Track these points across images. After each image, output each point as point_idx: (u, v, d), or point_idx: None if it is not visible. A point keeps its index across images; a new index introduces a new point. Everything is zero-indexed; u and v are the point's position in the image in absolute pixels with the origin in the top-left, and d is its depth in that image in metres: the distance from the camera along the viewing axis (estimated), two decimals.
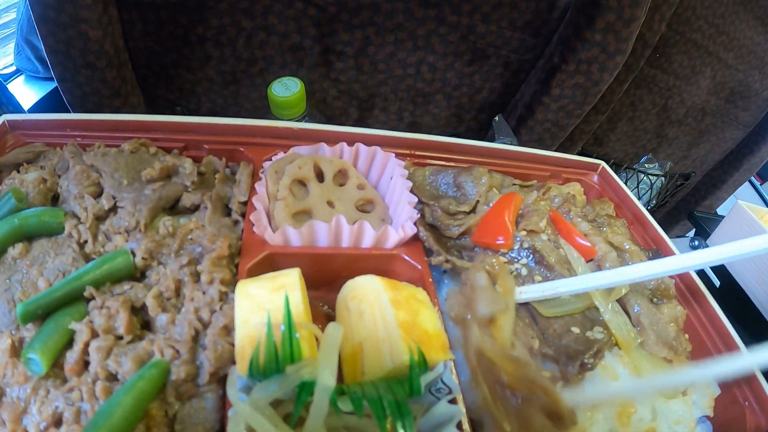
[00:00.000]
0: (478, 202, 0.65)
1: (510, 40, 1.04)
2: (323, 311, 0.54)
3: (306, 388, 0.37)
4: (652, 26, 1.04)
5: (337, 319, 0.51)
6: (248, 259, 0.50)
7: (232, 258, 0.51)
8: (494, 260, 0.57)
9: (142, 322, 0.46)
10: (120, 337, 0.43)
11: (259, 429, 0.35)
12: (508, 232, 0.59)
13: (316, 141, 0.65)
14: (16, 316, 0.44)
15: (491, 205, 0.64)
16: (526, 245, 0.59)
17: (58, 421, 0.40)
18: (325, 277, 0.53)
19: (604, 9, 0.93)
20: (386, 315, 0.44)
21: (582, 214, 0.68)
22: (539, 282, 0.57)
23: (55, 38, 0.83)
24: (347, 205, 0.59)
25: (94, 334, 0.43)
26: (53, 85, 1.16)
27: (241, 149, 0.64)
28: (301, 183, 0.59)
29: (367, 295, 0.47)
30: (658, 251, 0.69)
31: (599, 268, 0.61)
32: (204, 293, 0.46)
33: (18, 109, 0.97)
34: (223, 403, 0.41)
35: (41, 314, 0.44)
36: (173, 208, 0.57)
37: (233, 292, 0.46)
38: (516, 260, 0.59)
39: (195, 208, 0.56)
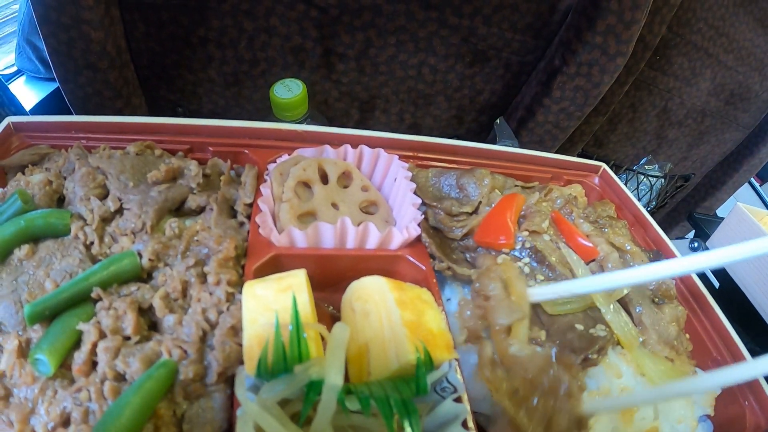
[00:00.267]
0: (480, 203, 0.65)
1: (511, 42, 1.04)
2: (328, 312, 0.54)
3: (314, 388, 0.37)
4: (652, 29, 1.05)
5: (342, 319, 0.51)
6: (254, 260, 0.51)
7: (239, 259, 0.51)
8: (500, 260, 0.57)
9: (149, 323, 0.46)
10: (128, 338, 0.43)
11: (267, 428, 0.35)
12: (509, 232, 0.60)
13: (320, 143, 0.65)
14: (23, 317, 0.44)
15: (493, 206, 0.64)
16: (527, 245, 0.59)
17: (66, 421, 0.40)
18: (330, 278, 0.54)
19: (604, 11, 0.93)
20: (392, 315, 0.44)
21: (584, 215, 0.68)
22: (541, 281, 0.58)
23: (57, 39, 0.83)
24: (351, 207, 0.60)
25: (102, 335, 0.43)
26: (54, 85, 1.17)
27: (246, 151, 0.64)
28: (306, 185, 0.60)
29: (372, 296, 0.47)
30: (658, 252, 0.69)
31: (601, 268, 0.62)
32: (211, 294, 0.46)
33: (19, 109, 0.97)
34: (231, 403, 0.41)
35: (48, 315, 0.44)
36: (179, 210, 0.57)
37: (240, 293, 0.46)
38: (518, 260, 0.59)
39: (200, 210, 0.56)
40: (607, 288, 0.54)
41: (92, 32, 0.84)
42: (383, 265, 0.56)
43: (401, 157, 0.67)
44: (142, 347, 0.42)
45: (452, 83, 1.11)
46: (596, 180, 0.83)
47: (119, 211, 0.54)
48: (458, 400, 0.44)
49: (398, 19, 0.98)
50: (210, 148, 0.64)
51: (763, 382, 0.56)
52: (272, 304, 0.42)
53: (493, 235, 0.60)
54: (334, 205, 0.59)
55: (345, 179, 0.63)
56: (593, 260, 0.62)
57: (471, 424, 0.43)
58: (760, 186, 2.27)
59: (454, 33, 1.01)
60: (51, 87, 1.23)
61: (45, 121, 0.62)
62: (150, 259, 0.49)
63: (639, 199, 1.44)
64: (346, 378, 0.46)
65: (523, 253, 0.60)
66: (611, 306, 0.55)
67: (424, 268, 0.55)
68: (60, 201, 0.56)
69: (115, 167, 0.56)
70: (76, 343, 0.43)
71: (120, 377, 0.41)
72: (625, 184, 0.82)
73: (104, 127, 0.62)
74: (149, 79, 1.03)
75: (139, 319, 0.44)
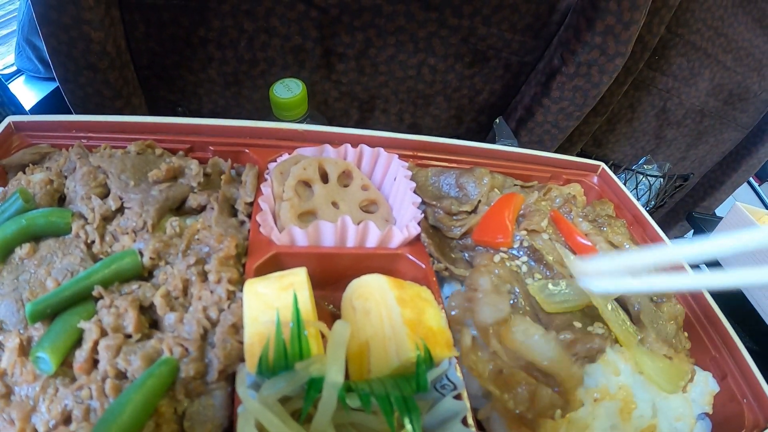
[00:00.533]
0: (479, 202, 0.66)
1: (510, 42, 1.04)
2: (329, 310, 0.54)
3: (315, 385, 0.37)
4: (651, 29, 1.05)
5: (342, 317, 0.51)
6: (255, 258, 0.51)
7: (239, 258, 0.51)
8: (498, 259, 0.58)
9: (150, 321, 0.46)
10: (129, 336, 0.44)
11: (268, 425, 0.36)
12: (507, 231, 0.60)
13: (320, 143, 0.65)
14: (24, 316, 0.44)
15: (492, 205, 0.64)
16: (525, 244, 0.60)
17: (67, 419, 0.40)
18: (331, 277, 0.54)
19: (603, 12, 0.93)
20: (392, 313, 0.44)
21: (582, 214, 0.69)
22: (539, 280, 0.58)
23: (57, 39, 0.83)
24: (351, 206, 0.60)
25: (103, 333, 0.43)
26: (54, 85, 1.17)
27: (247, 151, 0.64)
28: (306, 184, 0.60)
29: (372, 294, 0.47)
30: None
31: None
32: (212, 292, 0.46)
33: (19, 109, 0.97)
34: (232, 400, 0.41)
35: (50, 313, 0.44)
36: (180, 208, 0.57)
37: (241, 291, 0.46)
38: (516, 258, 0.59)
39: (201, 209, 0.57)
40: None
41: (92, 32, 0.84)
42: (383, 263, 0.56)
43: (401, 157, 0.67)
44: (143, 345, 0.43)
45: (452, 83, 1.11)
46: (595, 179, 0.83)
47: (120, 209, 0.54)
48: (458, 397, 0.44)
49: (398, 20, 0.98)
50: (211, 147, 0.64)
51: (761, 380, 0.56)
52: (273, 302, 0.42)
53: (491, 234, 0.60)
54: (335, 204, 0.59)
55: (345, 178, 0.64)
56: None
57: (471, 421, 0.43)
58: (759, 186, 2.27)
59: (453, 33, 1.01)
60: (50, 87, 1.24)
61: (46, 121, 0.62)
62: (151, 258, 0.49)
63: (638, 199, 1.45)
64: (347, 376, 0.47)
65: (521, 252, 0.60)
66: (609, 305, 0.56)
67: (424, 266, 0.55)
68: (61, 200, 0.57)
69: (116, 166, 0.56)
70: (78, 342, 0.43)
71: (121, 375, 0.42)
72: (624, 184, 0.82)
73: (105, 127, 0.62)
74: (149, 79, 1.03)
75: (140, 317, 0.44)
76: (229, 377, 0.42)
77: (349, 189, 0.62)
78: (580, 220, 0.67)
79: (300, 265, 0.48)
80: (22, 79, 1.29)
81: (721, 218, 1.03)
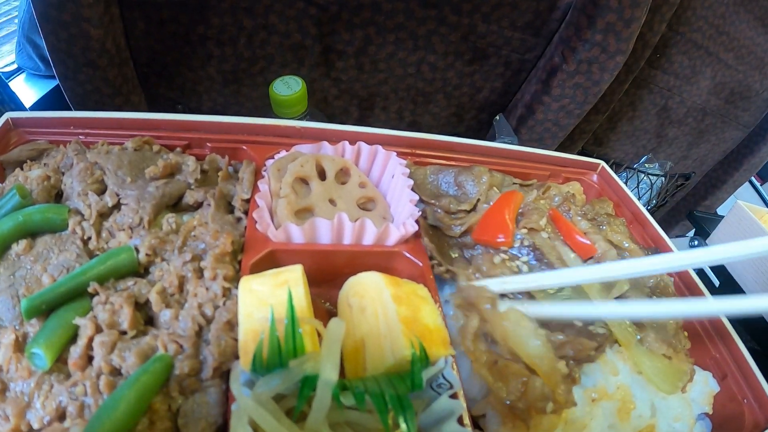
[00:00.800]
0: (478, 200, 0.65)
1: (510, 39, 1.04)
2: (325, 308, 0.54)
3: (308, 383, 0.37)
4: (652, 26, 1.05)
5: (339, 315, 0.51)
6: (251, 255, 0.51)
7: (235, 254, 0.51)
8: (497, 260, 0.57)
9: (145, 317, 0.46)
10: (124, 332, 0.43)
11: (261, 423, 0.35)
12: (508, 230, 0.60)
13: (318, 140, 0.65)
14: (20, 312, 0.44)
15: (492, 203, 0.64)
16: (526, 243, 0.59)
17: (61, 416, 0.40)
18: (327, 274, 0.54)
19: (604, 9, 0.93)
20: (388, 311, 0.44)
21: (582, 212, 0.68)
22: None
23: (57, 37, 0.83)
24: (349, 203, 0.60)
25: (98, 329, 0.43)
26: (54, 83, 1.16)
27: (244, 147, 0.64)
28: (304, 181, 0.59)
29: (368, 291, 0.47)
30: (657, 250, 0.69)
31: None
32: (207, 289, 0.46)
33: (19, 107, 0.97)
34: (226, 398, 0.41)
35: (45, 309, 0.44)
36: (176, 205, 0.57)
37: (236, 288, 0.46)
38: (517, 257, 0.59)
39: (198, 206, 0.57)
40: (574, 282, 0.55)
41: (92, 30, 0.84)
42: (380, 261, 0.56)
43: (399, 154, 0.66)
44: (138, 342, 0.42)
45: (452, 81, 1.11)
46: (595, 178, 0.83)
47: (117, 206, 0.54)
48: (454, 396, 0.44)
49: (397, 17, 0.98)
50: (208, 144, 0.64)
51: (761, 379, 0.55)
52: (268, 298, 0.42)
53: (491, 233, 0.60)
54: (332, 202, 0.59)
55: (343, 175, 0.63)
56: (591, 258, 0.62)
57: (467, 420, 0.43)
58: (761, 185, 2.26)
59: (453, 31, 1.01)
60: (51, 84, 1.24)
61: (44, 117, 0.62)
62: (147, 254, 0.49)
63: (639, 198, 1.44)
64: (343, 374, 0.46)
65: (522, 251, 0.59)
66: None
67: (421, 264, 0.55)
68: (58, 196, 0.57)
69: (113, 163, 0.56)
70: (73, 338, 0.43)
71: (116, 372, 0.41)
72: (626, 183, 0.82)
73: (103, 123, 0.62)
74: (149, 77, 1.03)
75: (135, 314, 0.44)
76: (223, 374, 0.42)
77: (347, 186, 0.62)
78: (579, 218, 0.66)
79: (296, 263, 0.48)
80: (22, 77, 1.30)
81: (722, 217, 1.02)
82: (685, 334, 0.61)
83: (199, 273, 0.48)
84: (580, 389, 0.50)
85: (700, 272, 0.70)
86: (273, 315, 0.40)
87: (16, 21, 1.24)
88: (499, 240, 0.59)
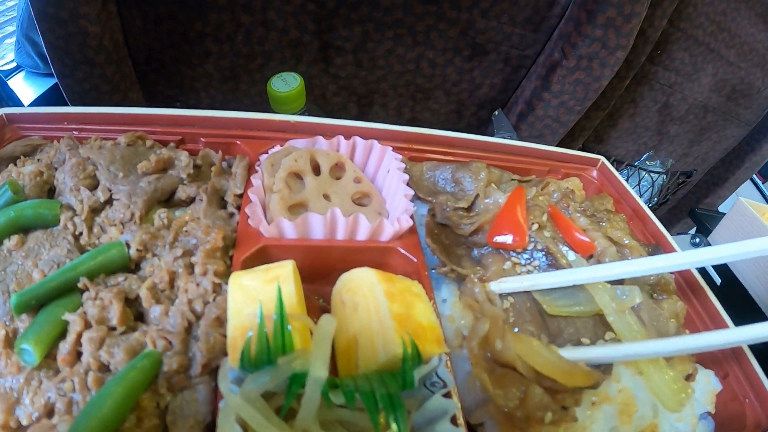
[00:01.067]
0: (477, 197, 0.64)
1: (510, 35, 1.03)
2: (319, 304, 0.53)
3: (297, 380, 0.36)
4: (653, 22, 1.04)
5: (332, 311, 0.50)
6: (243, 251, 0.50)
7: (227, 250, 0.50)
8: (507, 266, 0.56)
9: (135, 313, 0.46)
10: (113, 328, 0.43)
11: (250, 421, 0.35)
12: (521, 230, 0.57)
13: (313, 134, 0.64)
14: (10, 307, 0.44)
15: (490, 200, 0.63)
16: (539, 246, 0.57)
17: (50, 412, 0.40)
18: (321, 270, 0.53)
19: (604, 4, 0.92)
20: (380, 307, 0.43)
21: (581, 209, 0.67)
22: None
23: (55, 34, 0.83)
24: (343, 199, 0.59)
25: (87, 325, 0.42)
26: (53, 81, 1.17)
27: (238, 142, 0.64)
28: (297, 176, 0.59)
29: (361, 288, 0.46)
30: (657, 246, 0.68)
31: (599, 263, 0.61)
32: (198, 285, 0.46)
33: (18, 105, 0.98)
34: (215, 395, 0.40)
35: (35, 305, 0.44)
36: (169, 200, 0.57)
37: (227, 284, 0.45)
38: (529, 262, 0.57)
39: (190, 201, 0.56)
40: (569, 282, 0.54)
41: (89, 27, 0.83)
42: (374, 256, 0.55)
43: (396, 149, 0.66)
44: (126, 338, 0.42)
45: (451, 77, 1.10)
46: (594, 173, 0.82)
47: (109, 201, 0.53)
48: (447, 395, 0.43)
49: (396, 13, 0.97)
50: (202, 139, 0.63)
51: (763, 378, 0.55)
52: (258, 294, 0.42)
53: (506, 235, 0.58)
54: (326, 197, 0.58)
55: (337, 170, 0.63)
56: (591, 255, 0.61)
57: (461, 420, 0.42)
58: (763, 183, 2.24)
59: (452, 26, 1.00)
60: (50, 82, 1.24)
61: (38, 113, 0.62)
62: (138, 250, 0.48)
63: (641, 196, 1.43)
64: (335, 371, 0.46)
65: (535, 255, 0.57)
66: (619, 313, 0.54)
67: (415, 260, 0.54)
68: (51, 192, 0.56)
69: (105, 158, 0.56)
70: (62, 333, 0.43)
71: (104, 368, 0.41)
72: (627, 180, 0.81)
73: (97, 119, 0.62)
74: (147, 74, 1.03)
75: (125, 310, 0.44)
76: (213, 371, 0.42)
77: (342, 181, 0.61)
78: (578, 215, 0.65)
79: (289, 258, 0.47)
80: (21, 75, 1.30)
81: (723, 214, 1.01)
82: (687, 332, 0.61)
83: (190, 269, 0.47)
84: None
85: (702, 270, 0.69)
86: (262, 311, 0.39)
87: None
88: (514, 242, 0.57)
